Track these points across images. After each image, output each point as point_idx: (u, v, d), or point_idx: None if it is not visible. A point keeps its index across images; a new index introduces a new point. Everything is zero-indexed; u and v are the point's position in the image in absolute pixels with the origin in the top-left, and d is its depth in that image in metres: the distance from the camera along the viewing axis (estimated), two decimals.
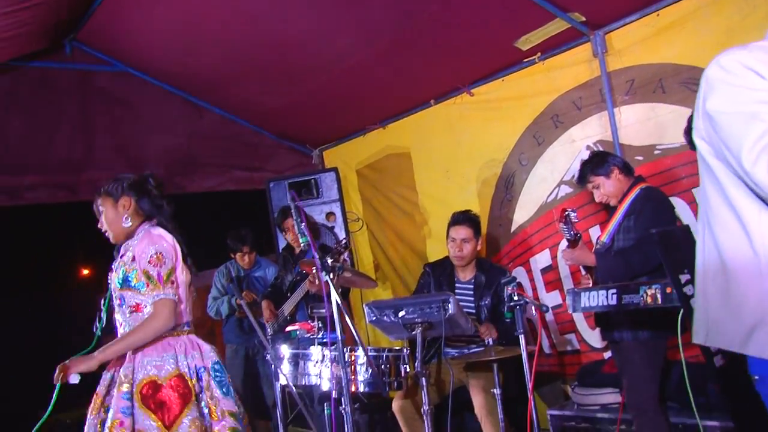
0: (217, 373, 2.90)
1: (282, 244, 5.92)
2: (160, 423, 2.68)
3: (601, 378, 4.05)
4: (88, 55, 5.63)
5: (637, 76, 4.11)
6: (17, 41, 4.73)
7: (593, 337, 4.47)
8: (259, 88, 5.66)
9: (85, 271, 13.47)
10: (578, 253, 3.49)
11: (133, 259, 2.88)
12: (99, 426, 2.75)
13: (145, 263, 2.83)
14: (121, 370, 2.79)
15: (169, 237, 2.96)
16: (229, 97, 6.03)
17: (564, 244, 3.76)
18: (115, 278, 2.93)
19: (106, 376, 2.89)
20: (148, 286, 2.83)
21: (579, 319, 4.54)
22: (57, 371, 2.74)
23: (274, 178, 6.15)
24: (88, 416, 2.83)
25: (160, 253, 2.85)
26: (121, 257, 2.97)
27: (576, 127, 4.49)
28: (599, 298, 3.08)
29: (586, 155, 4.37)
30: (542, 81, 4.65)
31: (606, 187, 3.58)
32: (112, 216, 3.01)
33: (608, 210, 3.78)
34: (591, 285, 3.48)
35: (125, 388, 2.74)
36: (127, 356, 2.83)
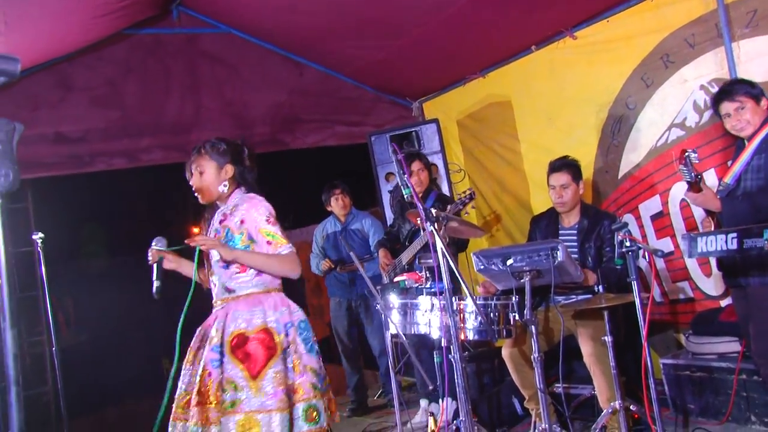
0: (303, 330, 3.00)
1: (386, 197, 5.99)
2: (246, 372, 2.82)
3: (719, 326, 3.91)
4: (194, 19, 5.84)
5: (761, 6, 3.82)
6: (130, 10, 4.94)
7: (708, 285, 4.32)
8: (357, 42, 5.68)
9: (195, 230, 14.08)
10: (702, 197, 3.31)
11: (242, 222, 3.00)
12: (192, 376, 2.91)
13: (264, 224, 2.98)
14: (214, 324, 2.94)
15: None
16: (328, 52, 6.08)
17: (682, 187, 3.60)
18: None
19: (199, 332, 3.04)
20: (270, 243, 2.96)
21: (693, 266, 4.39)
22: (199, 239, 2.94)
23: (375, 132, 6.18)
24: (183, 368, 3.00)
25: (273, 214, 3.02)
26: (221, 222, 3.06)
27: (688, 66, 4.25)
28: (718, 243, 2.94)
29: (699, 96, 4.20)
30: (651, 19, 4.42)
31: (750, 112, 3.30)
32: (212, 179, 3.10)
33: (726, 153, 3.59)
34: (713, 230, 3.33)
35: (215, 341, 2.89)
36: (219, 313, 2.99)
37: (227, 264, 3.01)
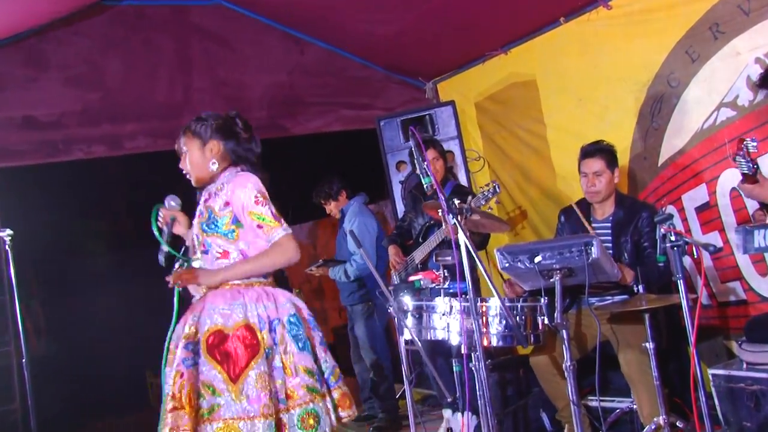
0: (293, 326, 2.93)
1: (397, 188, 5.92)
2: (225, 375, 2.75)
3: None
4: None
5: None
6: None
7: (764, 285, 4.20)
8: (365, 15, 5.61)
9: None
10: (759, 188, 3.23)
11: (227, 204, 2.96)
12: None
13: (252, 205, 2.92)
14: (189, 319, 2.88)
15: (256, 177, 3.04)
16: (333, 27, 6.01)
17: (732, 175, 3.50)
18: (198, 224, 3.02)
19: (178, 330, 2.95)
20: (262, 227, 2.91)
21: (745, 264, 4.28)
22: (174, 278, 2.90)
23: (385, 116, 6.11)
24: (166, 369, 2.92)
25: (263, 192, 2.96)
26: (205, 201, 3.04)
27: (741, 36, 4.12)
28: None
29: (753, 70, 4.08)
30: None
31: None
32: (198, 159, 3.08)
33: None
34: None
35: (189, 338, 2.82)
36: (195, 306, 2.94)
37: (206, 250, 2.97)
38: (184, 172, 3.14)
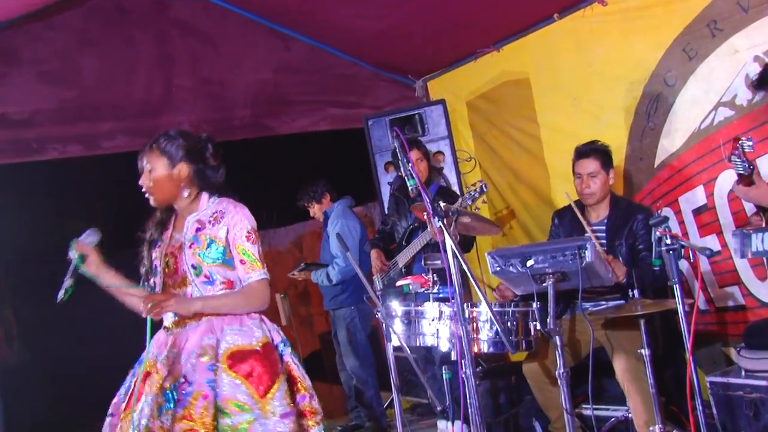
0: (292, 349, 3.00)
1: (385, 189, 5.91)
2: (252, 390, 2.74)
3: None
4: None
5: None
6: None
7: (763, 290, 4.21)
8: (353, 11, 5.60)
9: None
10: (755, 191, 3.23)
11: (228, 231, 2.95)
12: (155, 410, 2.70)
13: (242, 239, 2.93)
14: (204, 339, 2.83)
15: None
16: (320, 23, 5.99)
17: (730, 177, 3.51)
18: (196, 254, 2.93)
19: (170, 353, 2.86)
20: (244, 264, 2.93)
21: (744, 268, 4.28)
22: (152, 305, 2.79)
23: (373, 115, 6.11)
24: (143, 395, 2.81)
25: (255, 229, 2.98)
26: (198, 231, 2.96)
27: (740, 34, 4.14)
28: None
29: (752, 69, 4.08)
30: None
31: None
32: (163, 179, 2.98)
33: None
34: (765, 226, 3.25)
35: (207, 359, 2.78)
36: (200, 329, 2.87)
37: (211, 280, 2.92)
38: (143, 189, 3.03)
